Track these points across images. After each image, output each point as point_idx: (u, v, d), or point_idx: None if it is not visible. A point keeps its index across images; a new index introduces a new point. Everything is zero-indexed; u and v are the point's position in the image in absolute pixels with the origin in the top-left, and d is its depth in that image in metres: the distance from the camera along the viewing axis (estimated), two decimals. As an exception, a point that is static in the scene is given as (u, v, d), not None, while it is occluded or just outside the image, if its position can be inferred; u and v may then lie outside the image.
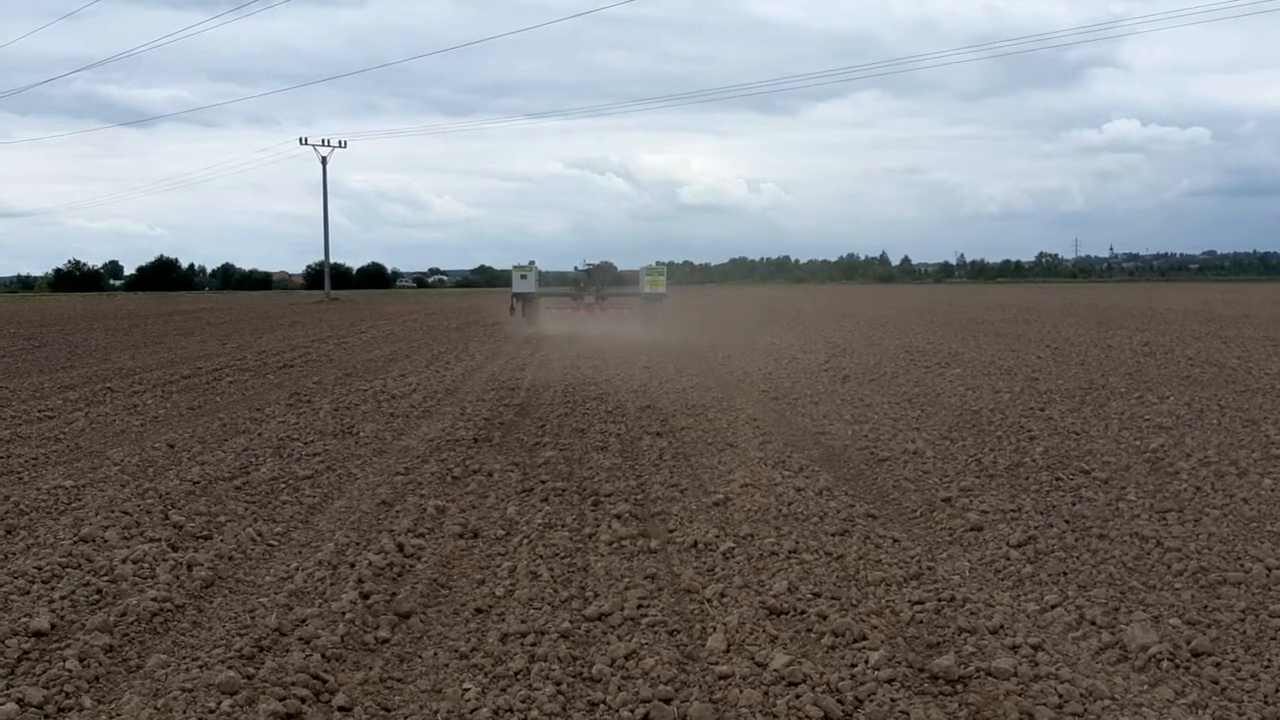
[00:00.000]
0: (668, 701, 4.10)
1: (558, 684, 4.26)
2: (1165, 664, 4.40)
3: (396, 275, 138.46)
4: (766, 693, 4.17)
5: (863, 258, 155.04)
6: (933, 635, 4.79)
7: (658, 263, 28.97)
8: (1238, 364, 16.07)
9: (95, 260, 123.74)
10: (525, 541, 6.40)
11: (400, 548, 6.19)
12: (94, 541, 6.20)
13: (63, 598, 5.16)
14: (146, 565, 5.73)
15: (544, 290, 28.57)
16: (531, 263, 28.22)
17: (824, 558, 5.96)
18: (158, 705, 4.01)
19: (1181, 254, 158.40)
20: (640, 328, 25.63)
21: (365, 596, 5.31)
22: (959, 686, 4.23)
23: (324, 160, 72.88)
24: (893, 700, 4.06)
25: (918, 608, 5.09)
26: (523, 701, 4.11)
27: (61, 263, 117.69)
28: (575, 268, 30.85)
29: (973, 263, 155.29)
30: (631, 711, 4.04)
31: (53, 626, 4.79)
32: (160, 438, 10.24)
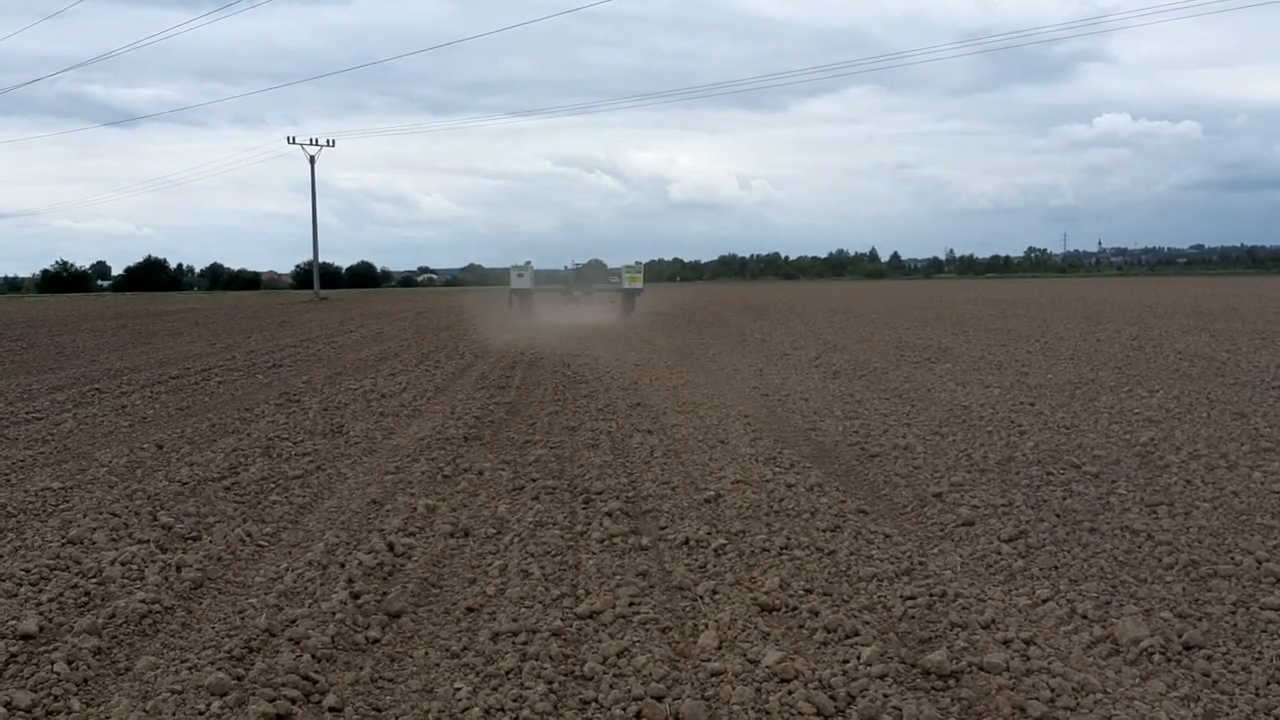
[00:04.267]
0: (660, 699, 4.09)
1: (549, 682, 4.25)
2: (1157, 657, 4.41)
3: (386, 274, 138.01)
4: (759, 689, 4.16)
5: (852, 254, 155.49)
6: (924, 630, 4.79)
7: (636, 261, 33.61)
8: (1227, 358, 16.14)
9: (83, 261, 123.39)
10: (516, 540, 6.38)
11: (391, 547, 6.16)
12: (82, 543, 6.16)
13: (50, 600, 5.12)
14: (135, 567, 5.70)
15: (538, 286, 32.04)
16: (528, 262, 32.23)
17: (815, 554, 5.96)
18: (147, 708, 3.98)
19: (1169, 248, 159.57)
20: (621, 317, 30.48)
21: (355, 596, 5.28)
22: (951, 681, 4.23)
23: (312, 159, 72.56)
24: (885, 696, 4.05)
25: (909, 603, 5.09)
26: (514, 700, 4.09)
27: (49, 264, 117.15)
28: (565, 266, 34.07)
29: (961, 258, 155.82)
30: (624, 709, 4.03)
31: (40, 629, 4.76)
32: (148, 438, 10.19)
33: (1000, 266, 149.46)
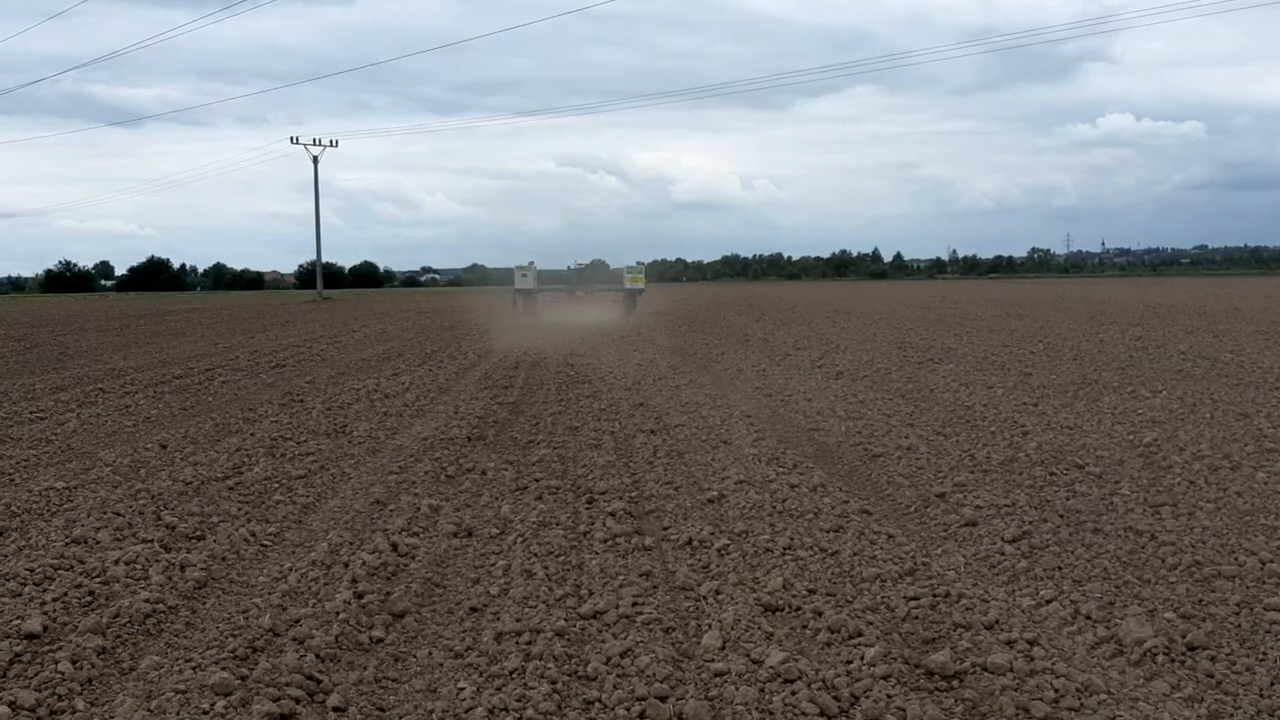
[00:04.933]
0: (664, 699, 4.09)
1: (553, 682, 4.25)
2: (1160, 658, 4.41)
3: (389, 274, 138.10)
4: (762, 690, 4.17)
5: (855, 254, 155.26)
6: (928, 631, 4.79)
7: (638, 262, 34.48)
8: (1230, 358, 16.11)
9: (86, 261, 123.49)
10: (520, 540, 6.38)
11: (394, 547, 6.17)
12: (86, 543, 6.17)
13: (55, 600, 5.13)
14: (139, 566, 5.71)
15: (541, 286, 32.63)
16: (531, 262, 32.60)
17: (819, 554, 5.96)
18: (151, 707, 3.99)
19: (1173, 248, 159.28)
20: (624, 317, 30.93)
21: (359, 596, 5.29)
22: (955, 682, 4.23)
23: (315, 159, 72.64)
24: (889, 696, 4.05)
25: (913, 604, 5.09)
26: (518, 700, 4.09)
27: (52, 264, 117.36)
28: (568, 266, 35.07)
29: (965, 258, 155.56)
30: (627, 710, 4.03)
31: (45, 629, 4.77)
32: (152, 438, 10.20)
33: (1003, 267, 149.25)
